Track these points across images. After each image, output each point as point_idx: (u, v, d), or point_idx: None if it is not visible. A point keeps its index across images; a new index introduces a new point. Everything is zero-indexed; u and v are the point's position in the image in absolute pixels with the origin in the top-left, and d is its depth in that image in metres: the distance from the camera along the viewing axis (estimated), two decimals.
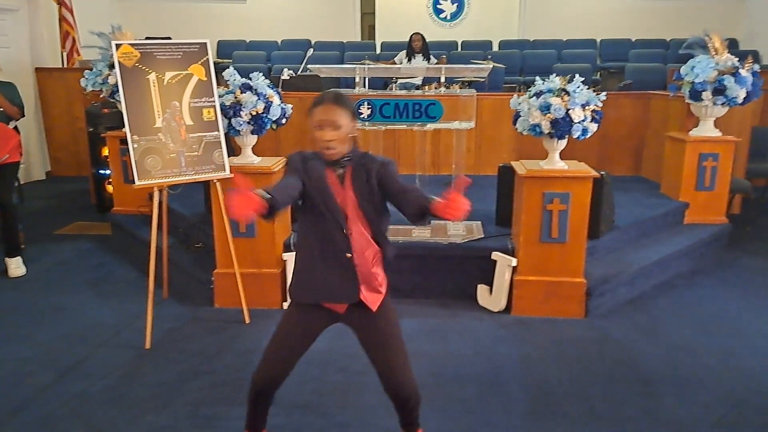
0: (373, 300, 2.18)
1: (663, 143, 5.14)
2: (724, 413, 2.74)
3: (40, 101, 7.59)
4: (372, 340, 2.20)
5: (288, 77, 5.93)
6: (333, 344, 3.35)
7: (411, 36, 7.33)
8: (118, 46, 3.31)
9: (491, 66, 4.10)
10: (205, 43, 3.53)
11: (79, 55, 7.57)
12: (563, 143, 3.64)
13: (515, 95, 3.77)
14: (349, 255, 2.11)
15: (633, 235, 4.43)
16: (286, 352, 2.22)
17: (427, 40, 7.50)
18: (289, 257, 3.79)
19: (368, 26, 10.86)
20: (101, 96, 4.86)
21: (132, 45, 3.34)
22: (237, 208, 1.74)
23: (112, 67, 4.51)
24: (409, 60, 7.29)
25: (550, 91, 3.54)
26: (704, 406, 2.79)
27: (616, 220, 4.34)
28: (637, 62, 8.36)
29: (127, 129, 3.34)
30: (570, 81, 3.53)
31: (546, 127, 3.52)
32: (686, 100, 4.70)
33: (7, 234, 4.46)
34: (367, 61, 6.91)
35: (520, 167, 3.74)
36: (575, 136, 3.51)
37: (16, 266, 4.45)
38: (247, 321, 3.64)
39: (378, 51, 9.29)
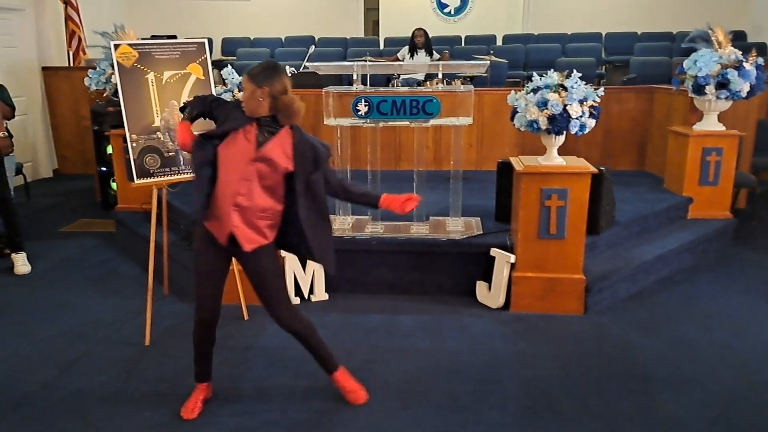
0: (247, 240, 2.48)
1: (667, 138, 5.10)
2: (721, 411, 2.72)
3: (46, 100, 7.66)
4: (251, 278, 2.60)
5: (289, 74, 5.93)
6: (328, 341, 3.35)
7: (413, 31, 7.31)
8: (116, 46, 3.33)
9: (488, 62, 4.08)
10: (203, 42, 3.54)
11: (84, 54, 7.62)
12: (561, 139, 3.63)
13: (513, 91, 3.75)
14: (239, 199, 2.42)
15: (634, 230, 4.40)
16: (210, 286, 2.60)
17: (431, 35, 7.49)
18: (288, 254, 3.81)
19: (372, 22, 10.85)
20: (105, 95, 4.90)
21: (130, 45, 3.37)
22: (179, 135, 2.55)
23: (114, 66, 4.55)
24: (412, 56, 7.28)
25: (547, 86, 3.53)
26: (702, 403, 2.78)
27: (617, 215, 4.32)
28: (642, 56, 8.29)
29: (125, 128, 3.37)
30: (568, 76, 3.52)
31: (543, 123, 3.50)
32: (689, 94, 4.66)
33: (10, 228, 4.51)
34: (368, 58, 6.91)
35: (518, 163, 3.73)
36: (573, 132, 3.49)
37: (22, 263, 4.51)
38: (246, 317, 3.67)
39: (381, 47, 9.28)
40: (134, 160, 3.39)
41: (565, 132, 3.55)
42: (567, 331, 3.51)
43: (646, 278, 4.11)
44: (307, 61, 6.65)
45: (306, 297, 3.90)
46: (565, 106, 3.45)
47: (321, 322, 3.58)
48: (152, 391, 2.89)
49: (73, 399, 2.84)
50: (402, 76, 6.74)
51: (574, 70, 3.52)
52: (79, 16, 7.61)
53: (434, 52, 7.30)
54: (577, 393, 2.87)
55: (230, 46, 9.68)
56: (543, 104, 3.48)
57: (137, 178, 3.40)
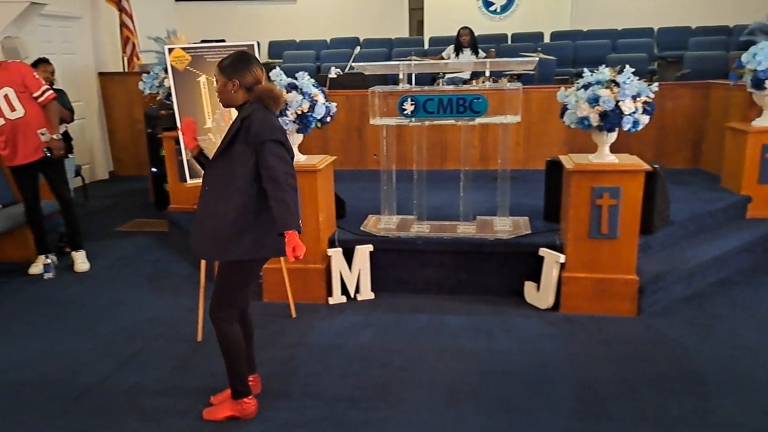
0: (200, 245, 2.54)
1: (723, 134, 4.92)
2: None
3: (103, 105, 7.94)
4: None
5: (335, 75, 6.00)
6: (375, 340, 3.40)
7: (459, 30, 7.26)
8: (170, 50, 3.43)
9: (537, 58, 4.02)
10: (253, 45, 3.62)
11: (138, 59, 7.88)
12: (613, 136, 3.55)
13: (562, 88, 3.69)
14: (207, 192, 2.51)
15: (690, 230, 4.26)
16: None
17: (477, 34, 7.41)
18: (334, 253, 3.85)
19: (417, 22, 10.83)
20: (158, 98, 5.05)
21: (183, 49, 3.46)
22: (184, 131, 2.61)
23: (167, 70, 4.69)
24: (457, 54, 7.23)
25: (599, 82, 3.46)
26: (762, 408, 2.67)
27: (671, 214, 4.19)
28: (697, 50, 8.02)
29: (179, 130, 3.47)
30: (620, 72, 3.43)
31: (594, 119, 3.43)
32: (748, 89, 4.48)
33: (70, 228, 4.70)
34: (413, 57, 6.90)
35: (568, 161, 3.66)
36: (626, 129, 3.41)
37: (81, 261, 4.69)
38: (294, 315, 3.72)
39: (426, 46, 9.25)
40: (187, 161, 3.48)
41: (617, 129, 3.48)
42: (619, 332, 3.43)
43: (703, 280, 3.97)
44: (352, 61, 6.69)
45: (352, 296, 3.92)
46: (618, 102, 3.37)
47: (367, 321, 3.62)
48: (205, 386, 2.95)
49: (131, 392, 2.93)
50: (447, 75, 6.70)
51: (627, 66, 3.43)
52: (133, 22, 7.87)
53: (480, 50, 7.23)
54: (631, 396, 2.80)
55: (277, 48, 9.83)
56: (594, 101, 3.41)
57: (190, 178, 3.49)
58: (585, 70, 3.57)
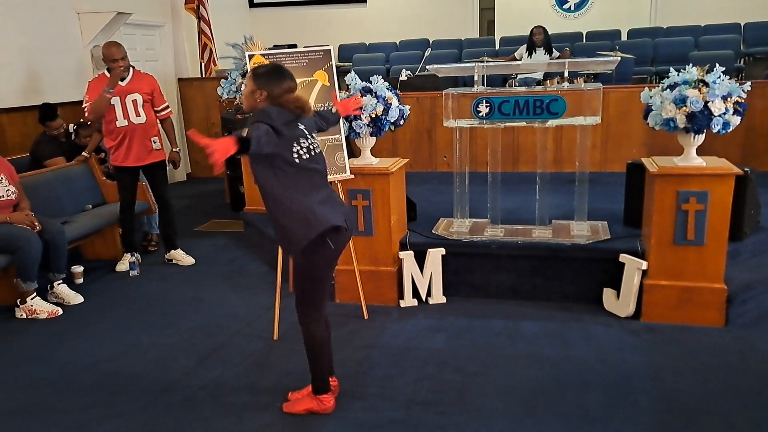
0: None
1: None
2: None
3: (181, 109, 8.28)
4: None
5: (406, 78, 6.01)
6: (449, 344, 3.38)
7: (532, 29, 7.13)
8: (251, 57, 3.54)
9: (619, 58, 3.89)
10: (329, 50, 3.67)
11: (215, 65, 8.17)
12: (700, 138, 3.39)
13: (646, 88, 3.55)
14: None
15: None
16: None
17: (550, 33, 7.27)
18: (406, 256, 3.86)
19: (487, 22, 10.71)
20: (235, 103, 5.22)
21: (263, 55, 3.56)
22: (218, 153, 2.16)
23: (245, 75, 4.84)
24: (530, 54, 7.10)
25: (686, 82, 3.31)
26: None
27: (762, 220, 3.96)
28: None
29: None
30: (709, 71, 3.27)
31: (681, 121, 3.29)
32: None
33: (168, 227, 4.97)
34: (485, 58, 6.82)
35: (652, 164, 3.52)
36: (715, 131, 3.25)
37: (184, 256, 4.98)
38: (366, 317, 3.75)
39: (497, 47, 9.13)
40: None
41: (704, 131, 3.32)
42: (706, 343, 3.27)
43: None
44: (423, 63, 6.69)
45: (423, 299, 3.92)
46: (706, 103, 3.22)
47: (439, 325, 3.61)
48: (283, 384, 3.01)
49: (213, 387, 3.04)
50: (519, 76, 6.59)
51: (717, 64, 3.27)
52: (210, 29, 8.17)
53: (554, 50, 7.08)
54: (720, 410, 2.66)
55: (346, 52, 9.95)
56: (681, 101, 3.26)
57: None
58: (671, 69, 3.42)
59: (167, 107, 4.82)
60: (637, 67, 7.68)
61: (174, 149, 4.86)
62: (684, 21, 8.83)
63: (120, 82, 4.47)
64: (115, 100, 4.47)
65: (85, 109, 4.51)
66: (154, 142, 4.70)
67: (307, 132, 2.59)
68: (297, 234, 2.51)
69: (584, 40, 8.89)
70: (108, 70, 4.45)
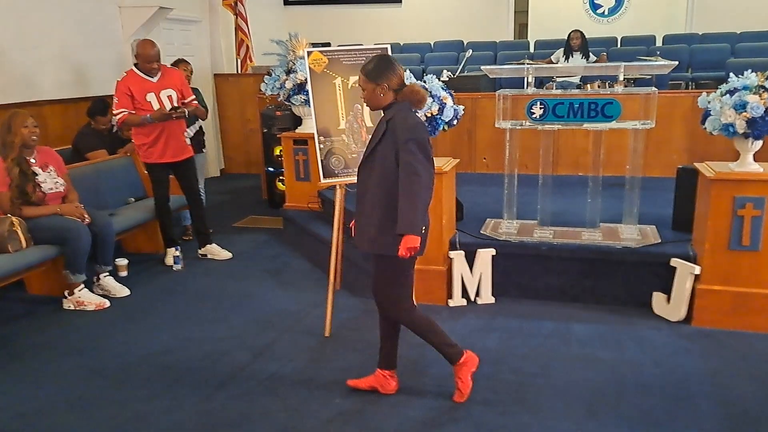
0: (359, 240, 2.70)
1: None
2: None
3: (217, 105, 8.35)
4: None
5: (447, 78, 6.02)
6: (501, 345, 3.39)
7: (569, 33, 7.13)
8: (309, 53, 3.57)
9: (675, 63, 3.88)
10: (386, 48, 3.69)
11: (251, 61, 8.23)
12: (759, 144, 3.38)
13: (704, 93, 3.54)
14: (362, 191, 2.64)
15: None
16: None
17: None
18: (456, 256, 3.87)
19: (519, 25, 10.69)
20: (279, 99, 5.25)
21: (321, 52, 3.59)
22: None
23: (289, 72, 4.88)
24: (567, 58, 7.10)
25: (746, 88, 3.30)
26: None
27: None
28: None
29: (314, 130, 3.60)
30: None
31: (741, 126, 3.28)
32: None
33: (199, 222, 4.99)
34: (526, 61, 6.82)
35: (707, 169, 3.50)
36: None
37: (219, 250, 5.01)
38: None
39: (532, 50, 9.12)
40: (321, 160, 3.61)
41: (763, 137, 3.31)
42: (761, 349, 3.25)
43: None
44: (464, 64, 6.70)
45: (472, 299, 3.93)
46: (767, 108, 3.20)
47: (490, 326, 3.62)
48: (339, 380, 3.03)
49: (269, 382, 3.07)
50: (558, 79, 6.58)
51: None
52: (247, 26, 8.23)
53: (590, 54, 7.06)
54: None
55: None
56: (741, 107, 3.25)
57: (323, 177, 3.61)
58: (731, 74, 3.41)
59: (194, 98, 4.86)
60: (673, 73, 7.61)
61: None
62: (720, 28, 8.76)
63: (152, 79, 4.53)
64: (151, 97, 4.52)
65: (117, 117, 4.54)
66: (186, 135, 4.78)
67: None
68: (387, 241, 2.59)
69: (618, 45, 8.85)
70: (135, 65, 4.52)
